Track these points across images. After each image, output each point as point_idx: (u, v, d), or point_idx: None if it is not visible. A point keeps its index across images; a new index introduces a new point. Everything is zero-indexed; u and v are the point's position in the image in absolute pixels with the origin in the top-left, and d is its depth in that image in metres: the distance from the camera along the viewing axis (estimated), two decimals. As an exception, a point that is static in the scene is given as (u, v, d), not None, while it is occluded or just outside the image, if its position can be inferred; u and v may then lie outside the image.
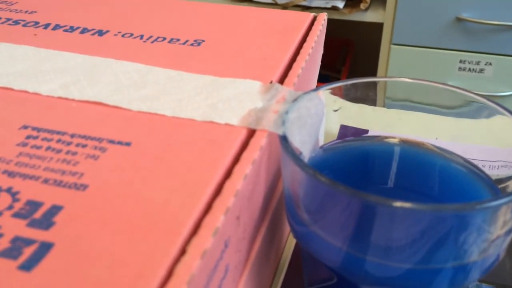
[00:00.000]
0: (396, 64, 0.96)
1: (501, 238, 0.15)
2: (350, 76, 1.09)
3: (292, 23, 0.24)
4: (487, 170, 0.19)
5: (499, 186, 0.18)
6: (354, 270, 0.15)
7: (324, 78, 1.08)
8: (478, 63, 0.90)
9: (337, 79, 1.09)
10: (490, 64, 0.89)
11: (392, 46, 0.95)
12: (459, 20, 0.89)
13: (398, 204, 0.13)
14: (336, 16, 0.92)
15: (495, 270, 0.17)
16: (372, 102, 0.21)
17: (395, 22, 0.92)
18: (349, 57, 1.11)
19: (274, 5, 0.94)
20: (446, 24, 0.90)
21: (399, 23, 0.92)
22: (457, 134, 0.20)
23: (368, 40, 1.12)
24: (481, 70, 0.91)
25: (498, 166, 0.19)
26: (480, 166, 0.19)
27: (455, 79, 0.93)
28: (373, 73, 1.01)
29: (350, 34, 1.17)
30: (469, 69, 0.91)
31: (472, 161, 0.19)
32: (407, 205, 0.13)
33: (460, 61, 0.92)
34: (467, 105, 0.19)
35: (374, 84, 0.20)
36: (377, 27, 0.96)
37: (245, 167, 0.15)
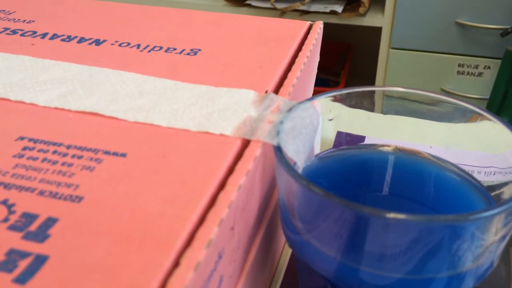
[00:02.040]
0: (395, 68, 0.96)
1: (495, 245, 0.15)
2: (349, 79, 1.09)
3: (288, 31, 0.25)
4: (482, 177, 0.19)
5: (493, 193, 0.18)
6: (348, 279, 0.15)
7: (323, 82, 1.09)
8: (476, 66, 0.91)
9: (336, 82, 1.10)
10: (489, 67, 0.90)
11: (391, 50, 0.95)
12: (457, 24, 0.89)
13: (391, 215, 0.13)
14: (335, 20, 0.93)
15: (490, 277, 0.17)
16: (368, 109, 0.21)
17: (394, 26, 0.93)
18: (348, 61, 1.11)
19: (273, 9, 0.94)
20: (444, 28, 0.90)
21: (398, 27, 0.93)
22: (452, 141, 0.20)
23: (367, 44, 1.13)
24: (480, 74, 0.91)
25: (494, 172, 0.19)
26: (475, 172, 0.19)
27: (453, 82, 0.93)
28: (372, 77, 1.01)
29: (349, 38, 1.18)
30: (468, 73, 0.92)
31: (467, 167, 0.19)
32: (400, 216, 0.13)
33: (459, 65, 0.92)
34: (460, 112, 0.19)
35: (370, 93, 0.20)
36: (376, 31, 0.96)
37: (239, 178, 0.15)
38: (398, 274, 0.15)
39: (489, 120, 0.18)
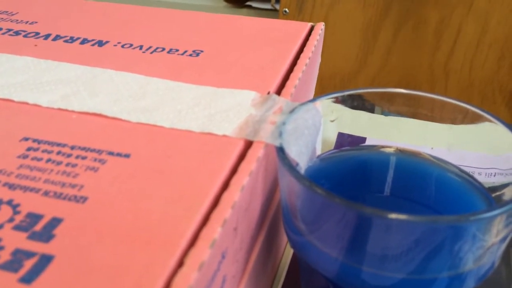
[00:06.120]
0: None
1: (496, 246, 0.16)
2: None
3: (290, 32, 0.25)
4: (483, 178, 0.19)
5: (494, 194, 0.18)
6: (350, 279, 0.16)
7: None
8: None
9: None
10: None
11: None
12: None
13: (393, 215, 0.13)
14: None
15: (491, 278, 0.17)
16: (369, 110, 0.21)
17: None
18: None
19: (273, 11, 0.94)
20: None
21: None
22: (453, 142, 0.20)
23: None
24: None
25: (495, 173, 0.19)
26: (476, 174, 0.19)
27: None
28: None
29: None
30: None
31: (468, 169, 0.19)
32: (402, 217, 0.13)
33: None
34: (461, 113, 0.19)
35: (371, 94, 0.20)
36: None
37: (242, 179, 0.15)
38: (400, 274, 0.15)
39: (490, 121, 0.18)
